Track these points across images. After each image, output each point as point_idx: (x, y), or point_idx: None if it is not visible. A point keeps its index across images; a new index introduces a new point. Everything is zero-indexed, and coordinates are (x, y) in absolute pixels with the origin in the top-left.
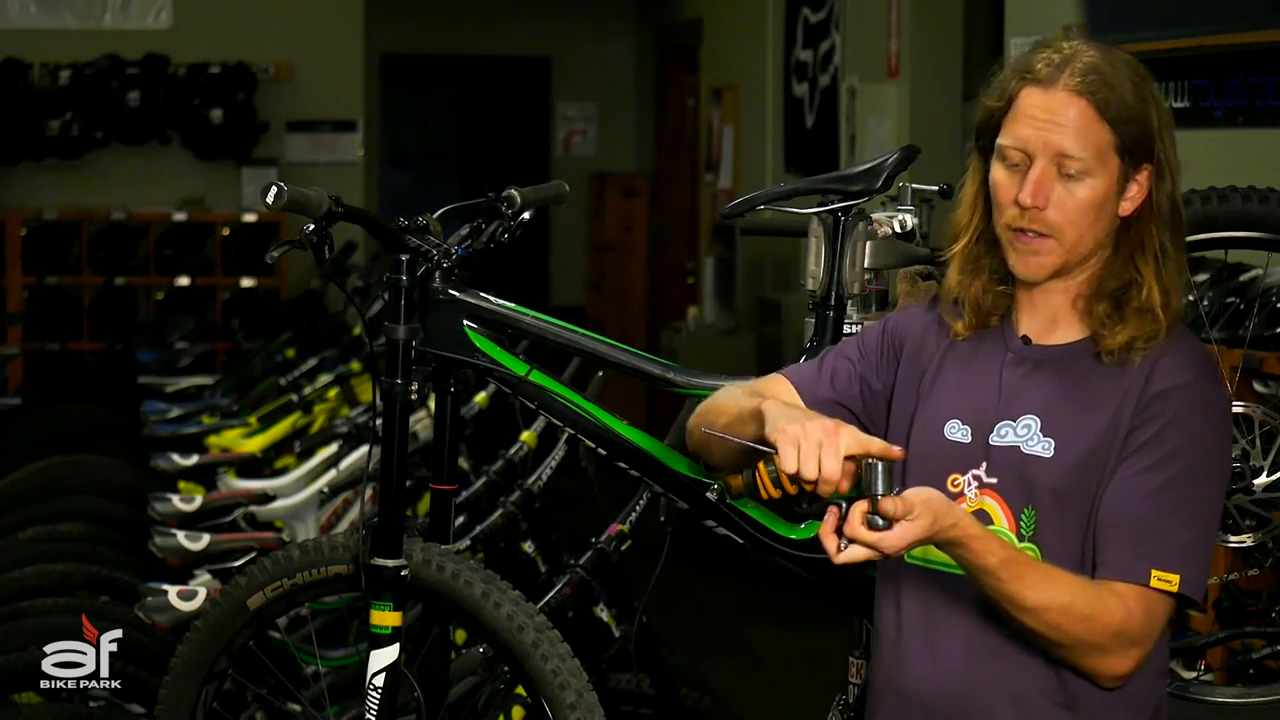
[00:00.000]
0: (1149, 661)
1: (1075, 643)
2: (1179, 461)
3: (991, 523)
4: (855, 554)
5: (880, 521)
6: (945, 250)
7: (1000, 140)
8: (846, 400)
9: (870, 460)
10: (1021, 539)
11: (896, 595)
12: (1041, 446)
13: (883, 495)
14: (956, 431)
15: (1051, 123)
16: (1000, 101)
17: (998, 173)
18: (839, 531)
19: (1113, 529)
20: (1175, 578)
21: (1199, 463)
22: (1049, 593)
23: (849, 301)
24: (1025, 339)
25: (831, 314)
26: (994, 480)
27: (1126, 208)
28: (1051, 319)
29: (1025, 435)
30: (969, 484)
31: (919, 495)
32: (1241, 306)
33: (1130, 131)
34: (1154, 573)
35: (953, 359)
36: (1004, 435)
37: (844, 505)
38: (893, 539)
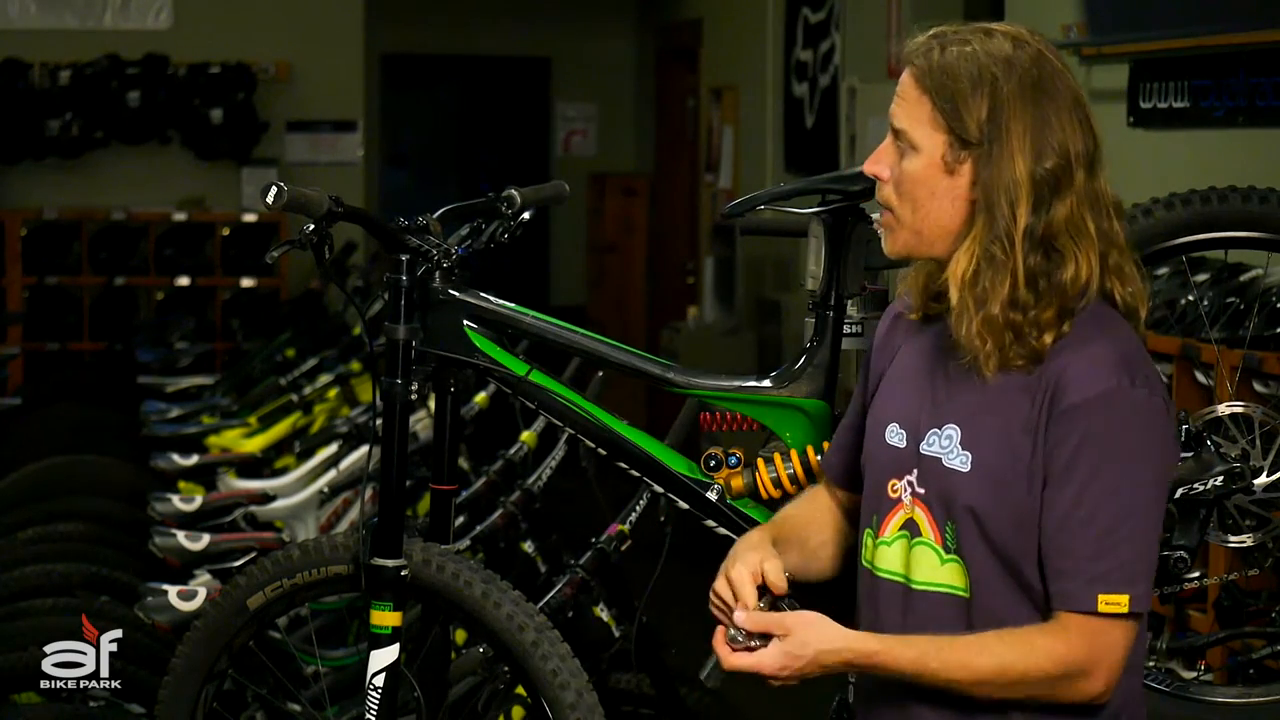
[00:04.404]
0: None
1: (1027, 694)
2: (1102, 479)
3: (920, 534)
4: (741, 660)
5: (739, 637)
6: None
7: None
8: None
9: None
10: (948, 551)
11: (864, 606)
12: (960, 460)
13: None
14: (894, 435)
15: (895, 95)
16: None
17: None
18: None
19: (1055, 561)
20: (1124, 598)
21: (1125, 474)
22: (975, 665)
23: (849, 301)
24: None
25: (831, 314)
26: (923, 490)
27: (974, 192)
28: None
29: (947, 447)
30: (905, 490)
31: (799, 616)
32: (1241, 306)
33: (948, 107)
34: (1101, 598)
35: (902, 356)
36: (931, 444)
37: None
38: (769, 661)
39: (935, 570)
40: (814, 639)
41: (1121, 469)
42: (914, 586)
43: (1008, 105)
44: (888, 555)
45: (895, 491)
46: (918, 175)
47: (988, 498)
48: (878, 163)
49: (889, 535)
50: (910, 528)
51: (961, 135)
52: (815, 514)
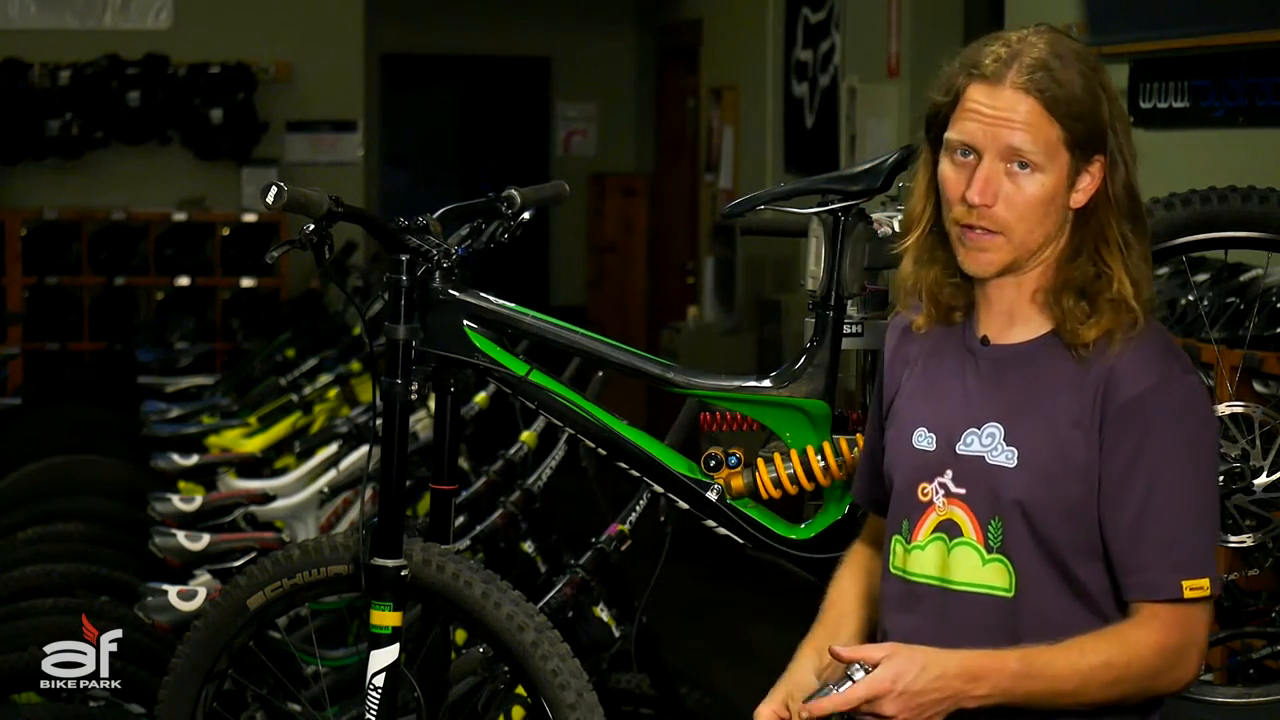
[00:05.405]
0: None
1: (1129, 690)
2: (1169, 468)
3: (960, 534)
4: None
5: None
6: (897, 244)
7: (948, 135)
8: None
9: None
10: (990, 549)
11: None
12: (1005, 456)
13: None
14: (923, 439)
15: (1000, 119)
16: (947, 97)
17: (945, 169)
18: None
19: (1132, 553)
20: (1204, 581)
21: (1187, 461)
22: (1081, 665)
23: (849, 301)
24: (984, 339)
25: (831, 314)
26: (961, 490)
27: (1079, 199)
28: (1008, 315)
29: (990, 445)
30: (937, 492)
31: (882, 648)
32: (1241, 306)
33: (1079, 126)
34: (1185, 584)
35: (921, 363)
36: (970, 444)
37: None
38: (883, 677)
39: (976, 571)
40: (918, 654)
41: (1184, 456)
42: (953, 588)
43: (1117, 111)
44: (921, 559)
45: (925, 495)
46: (1045, 195)
47: (1036, 492)
48: (986, 191)
49: (922, 539)
50: (947, 529)
51: (1087, 150)
52: (855, 580)
